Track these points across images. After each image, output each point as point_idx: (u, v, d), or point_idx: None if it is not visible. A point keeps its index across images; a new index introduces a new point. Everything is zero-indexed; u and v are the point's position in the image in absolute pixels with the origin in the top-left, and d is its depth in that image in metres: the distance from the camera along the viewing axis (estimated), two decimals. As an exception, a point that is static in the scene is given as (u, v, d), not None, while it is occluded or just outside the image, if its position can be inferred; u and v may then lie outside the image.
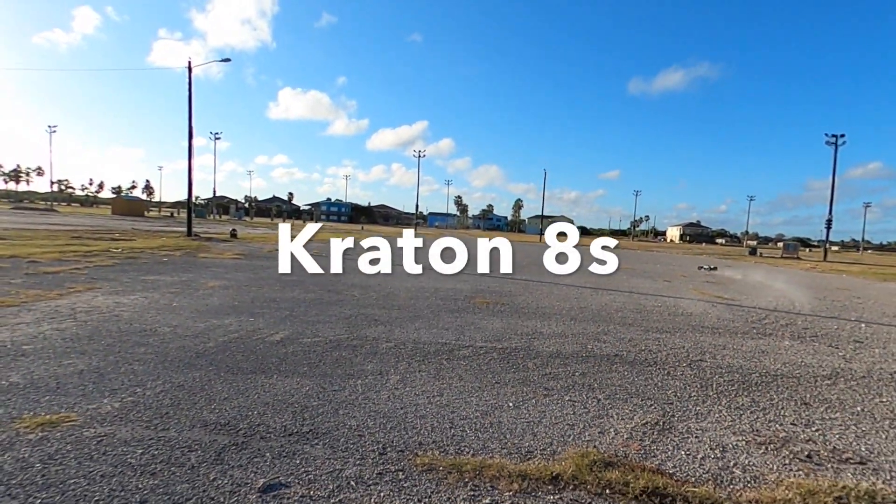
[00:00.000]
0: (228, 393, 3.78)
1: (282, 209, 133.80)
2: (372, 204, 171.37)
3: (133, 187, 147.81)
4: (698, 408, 4.08)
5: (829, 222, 48.09)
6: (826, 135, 47.35)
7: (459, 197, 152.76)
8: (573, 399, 4.10)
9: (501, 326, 6.93)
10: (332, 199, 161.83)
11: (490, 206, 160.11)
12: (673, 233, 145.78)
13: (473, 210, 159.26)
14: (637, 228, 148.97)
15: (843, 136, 46.74)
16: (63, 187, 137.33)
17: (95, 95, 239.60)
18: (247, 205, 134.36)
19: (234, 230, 27.14)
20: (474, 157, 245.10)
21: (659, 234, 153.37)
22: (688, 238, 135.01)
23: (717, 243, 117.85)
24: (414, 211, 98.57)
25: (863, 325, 8.91)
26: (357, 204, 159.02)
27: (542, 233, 68.84)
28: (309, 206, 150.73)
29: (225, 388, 3.87)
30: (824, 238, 50.60)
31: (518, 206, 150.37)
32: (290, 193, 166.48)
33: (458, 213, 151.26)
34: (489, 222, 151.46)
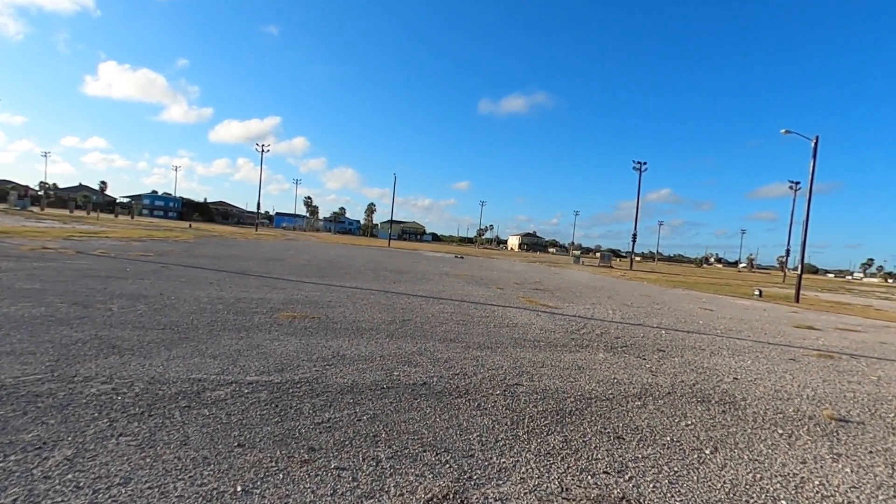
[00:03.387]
0: None
1: (89, 200, 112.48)
2: (209, 200, 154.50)
3: None
4: (503, 460, 3.22)
5: (634, 236, 56.05)
6: (633, 161, 55.35)
7: (309, 198, 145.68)
8: (342, 466, 2.93)
9: (295, 349, 5.54)
10: (160, 193, 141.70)
11: (342, 208, 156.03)
12: (513, 241, 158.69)
13: (326, 212, 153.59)
14: (483, 237, 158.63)
15: (645, 163, 55.05)
16: None
17: None
18: (42, 192, 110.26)
19: (-9, 221, 20.99)
20: (329, 159, 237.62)
21: (501, 243, 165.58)
22: (525, 247, 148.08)
23: (549, 252, 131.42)
24: (259, 212, 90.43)
25: (663, 331, 9.49)
26: (190, 199, 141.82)
27: (390, 237, 68.51)
28: (128, 199, 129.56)
29: None
30: (630, 250, 58.91)
31: (371, 210, 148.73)
32: (104, 182, 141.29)
33: (307, 215, 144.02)
34: (340, 225, 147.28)
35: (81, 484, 2.48)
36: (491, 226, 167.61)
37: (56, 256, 12.90)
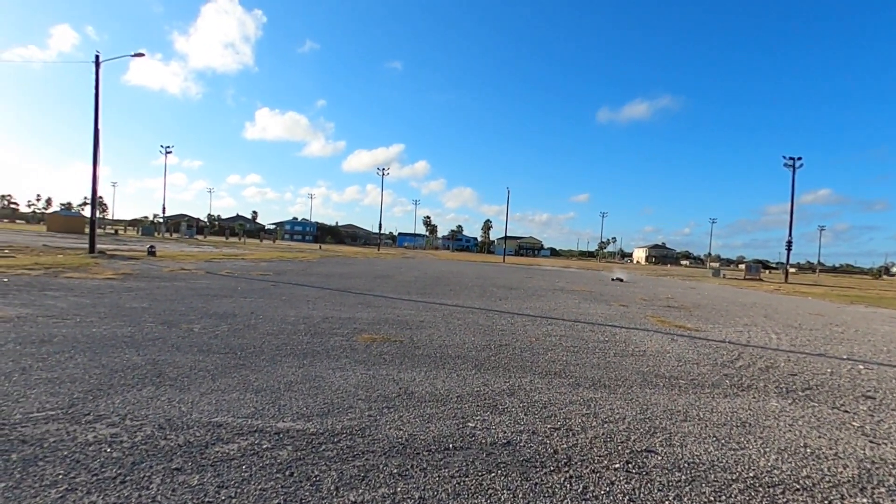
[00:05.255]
0: None
1: (244, 227, 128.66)
2: (340, 224, 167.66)
3: (84, 204, 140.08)
4: None
5: (789, 244, 47.93)
6: (784, 157, 47.53)
7: (428, 217, 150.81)
8: None
9: (356, 383, 4.54)
10: (299, 219, 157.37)
11: (459, 226, 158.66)
12: (639, 254, 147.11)
13: (444, 230, 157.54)
14: (605, 250, 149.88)
15: (800, 158, 46.97)
16: (6, 203, 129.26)
17: (62, 114, 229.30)
18: (207, 223, 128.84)
19: (152, 247, 24.00)
20: (448, 180, 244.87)
21: (626, 256, 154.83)
22: (653, 259, 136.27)
23: (681, 264, 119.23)
24: (382, 231, 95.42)
25: (860, 365, 6.89)
26: (323, 224, 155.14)
27: (505, 253, 67.27)
28: (273, 226, 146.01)
29: None
30: (785, 259, 50.44)
31: (487, 226, 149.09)
32: (255, 212, 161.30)
33: (426, 234, 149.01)
34: (458, 243, 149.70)
35: None
36: (613, 238, 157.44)
37: (185, 276, 13.85)
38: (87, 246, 21.79)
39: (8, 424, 3.16)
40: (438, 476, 2.82)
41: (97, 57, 21.00)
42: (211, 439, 3.12)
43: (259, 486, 2.58)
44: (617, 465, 3.11)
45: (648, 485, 2.87)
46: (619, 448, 3.40)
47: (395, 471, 2.85)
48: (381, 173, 78.72)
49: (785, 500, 2.81)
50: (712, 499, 2.75)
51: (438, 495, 2.61)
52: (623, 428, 3.80)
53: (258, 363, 5.04)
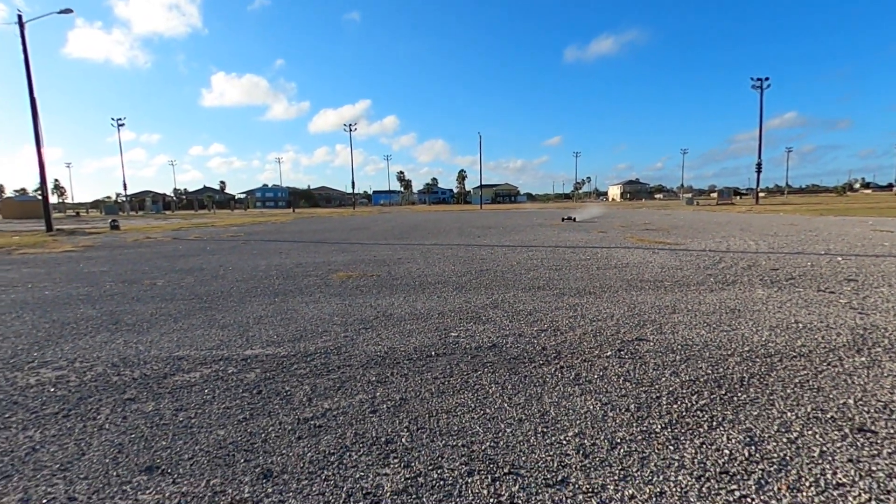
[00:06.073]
0: None
1: (213, 199, 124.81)
2: (312, 187, 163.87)
3: (38, 190, 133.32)
4: (630, 491, 1.59)
5: (758, 166, 48.56)
6: (752, 79, 47.23)
7: (402, 172, 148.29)
8: (298, 514, 1.51)
9: (331, 312, 4.28)
10: (270, 185, 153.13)
11: (434, 179, 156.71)
12: (614, 191, 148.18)
13: (419, 185, 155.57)
14: (580, 191, 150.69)
15: (767, 79, 46.80)
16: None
17: (4, 98, 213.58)
18: (174, 197, 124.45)
19: (114, 221, 22.96)
20: (419, 133, 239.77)
21: (601, 195, 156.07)
22: (628, 196, 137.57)
23: (655, 198, 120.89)
24: (356, 191, 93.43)
25: (839, 258, 6.93)
26: (295, 188, 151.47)
27: (482, 201, 66.91)
28: (243, 195, 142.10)
29: None
30: (755, 183, 51.29)
31: (462, 176, 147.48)
32: (222, 182, 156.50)
33: (401, 190, 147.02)
34: (434, 196, 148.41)
35: None
36: (588, 178, 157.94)
37: (150, 244, 13.21)
38: (29, 228, 20.68)
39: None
40: (420, 379, 2.61)
41: (20, 17, 19.13)
42: (170, 371, 2.85)
43: (223, 406, 2.33)
44: (608, 353, 2.96)
45: (643, 366, 2.72)
46: (610, 340, 3.25)
47: (374, 379, 2.63)
48: (348, 129, 76.22)
49: (783, 366, 2.69)
50: (709, 371, 2.62)
51: (421, 395, 2.40)
52: (612, 324, 3.65)
53: (226, 305, 4.73)
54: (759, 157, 48.31)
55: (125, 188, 74.08)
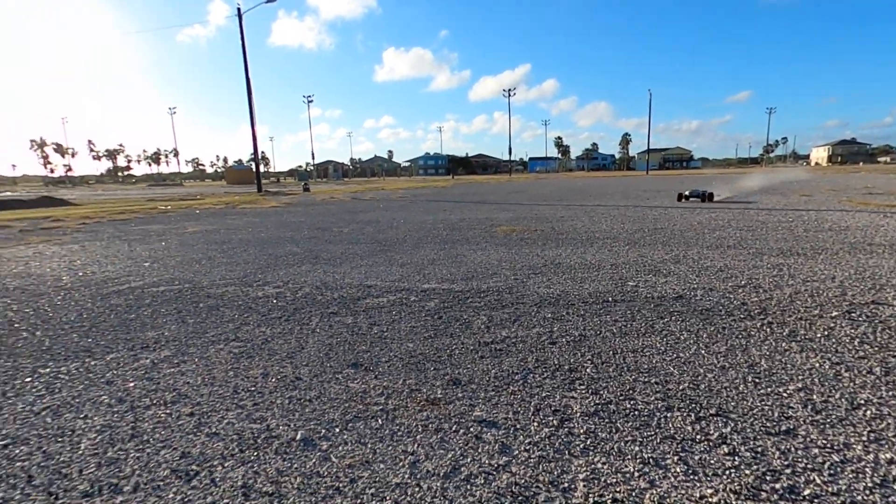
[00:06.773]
0: None
1: (382, 167, 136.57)
2: (470, 154, 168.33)
3: (252, 160, 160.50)
4: (877, 453, 1.30)
5: None
6: None
7: (559, 138, 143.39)
8: (485, 420, 1.55)
9: (498, 258, 4.34)
10: (431, 153, 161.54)
11: (594, 144, 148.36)
12: (819, 154, 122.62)
13: (577, 151, 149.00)
14: (772, 154, 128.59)
15: None
16: (195, 165, 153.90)
17: (226, 83, 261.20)
18: (351, 166, 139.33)
19: (306, 185, 26.67)
20: (580, 96, 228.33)
21: (801, 158, 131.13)
22: (840, 158, 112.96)
23: (878, 161, 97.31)
24: (513, 158, 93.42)
25: None
26: (453, 156, 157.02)
27: (648, 166, 61.47)
28: (408, 163, 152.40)
29: None
30: None
31: (625, 141, 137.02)
32: (390, 152, 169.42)
33: (559, 156, 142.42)
34: (594, 162, 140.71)
35: (129, 377, 1.78)
36: (784, 139, 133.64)
37: (334, 203, 15.00)
38: (245, 191, 24.79)
39: (197, 288, 3.58)
40: (599, 320, 2.49)
41: (238, 9, 22.70)
42: (362, 295, 3.18)
43: (409, 325, 2.52)
44: (834, 314, 2.46)
45: (885, 331, 2.20)
46: (834, 301, 2.70)
47: (549, 316, 2.59)
48: (507, 94, 75.84)
49: None
50: None
51: (602, 333, 2.29)
52: (833, 286, 3.03)
53: (402, 248, 5.12)
54: None
55: (313, 157, 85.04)
